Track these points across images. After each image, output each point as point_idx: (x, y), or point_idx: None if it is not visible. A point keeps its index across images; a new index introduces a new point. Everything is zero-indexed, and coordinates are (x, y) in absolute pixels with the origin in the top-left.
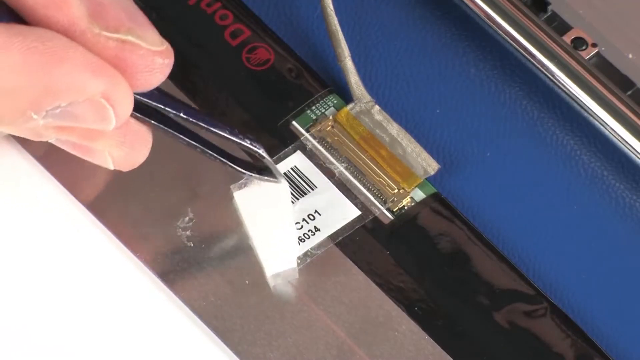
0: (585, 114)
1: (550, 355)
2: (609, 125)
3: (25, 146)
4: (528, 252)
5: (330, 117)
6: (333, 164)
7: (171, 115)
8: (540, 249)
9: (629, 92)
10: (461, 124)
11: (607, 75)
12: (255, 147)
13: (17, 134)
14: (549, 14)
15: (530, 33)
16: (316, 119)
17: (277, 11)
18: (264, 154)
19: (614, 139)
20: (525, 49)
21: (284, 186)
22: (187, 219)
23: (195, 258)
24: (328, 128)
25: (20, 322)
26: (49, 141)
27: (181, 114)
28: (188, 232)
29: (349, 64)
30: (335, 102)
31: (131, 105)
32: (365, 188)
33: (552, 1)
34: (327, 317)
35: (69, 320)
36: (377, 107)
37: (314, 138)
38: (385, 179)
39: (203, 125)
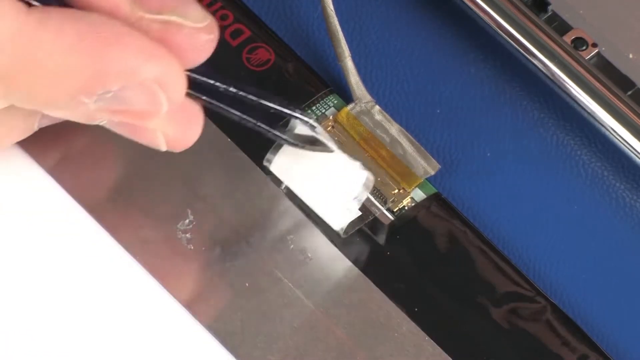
0: (586, 114)
1: (550, 355)
2: (609, 125)
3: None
4: (528, 252)
5: (331, 117)
6: None
7: (221, 89)
8: (540, 249)
9: (629, 92)
10: (461, 124)
11: (608, 76)
12: (305, 118)
13: (70, 119)
14: (549, 14)
15: (530, 33)
16: (316, 119)
17: (277, 11)
18: (315, 124)
19: (614, 139)
20: (526, 49)
21: (336, 155)
22: (187, 221)
23: (196, 261)
24: (328, 128)
25: (21, 324)
26: (101, 123)
27: (230, 88)
28: (188, 235)
29: (349, 64)
30: (335, 102)
31: (184, 89)
32: None
33: (553, 1)
34: (327, 318)
35: (69, 323)
36: (377, 107)
37: None
38: (385, 179)
39: (252, 98)
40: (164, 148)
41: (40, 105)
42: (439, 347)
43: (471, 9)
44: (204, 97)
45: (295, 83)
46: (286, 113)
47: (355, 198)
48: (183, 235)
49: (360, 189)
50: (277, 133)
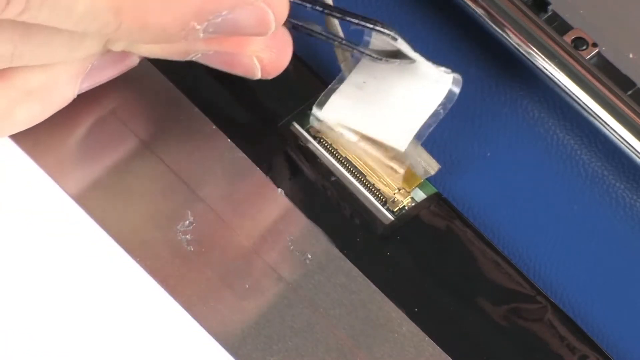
0: (585, 114)
1: (550, 355)
2: (609, 125)
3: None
4: (528, 252)
5: None
6: (333, 164)
7: (308, 8)
8: (540, 249)
9: (630, 92)
10: (461, 124)
11: (608, 75)
12: (387, 30)
13: (165, 56)
14: (550, 13)
15: (530, 33)
16: (315, 119)
17: None
18: (397, 36)
19: (614, 139)
20: (526, 49)
21: (420, 64)
22: (187, 222)
23: (196, 262)
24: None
25: (21, 325)
26: (193, 59)
27: (317, 7)
28: (188, 236)
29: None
30: None
31: (288, 7)
32: (365, 188)
33: (553, 1)
34: (327, 319)
35: (69, 323)
36: None
37: (314, 139)
38: (385, 179)
39: (337, 14)
40: (259, 75)
41: (150, 39)
42: (438, 347)
43: (471, 9)
44: (292, 20)
45: (295, 83)
46: (368, 27)
47: (441, 104)
48: (183, 236)
49: (446, 93)
50: (361, 49)
